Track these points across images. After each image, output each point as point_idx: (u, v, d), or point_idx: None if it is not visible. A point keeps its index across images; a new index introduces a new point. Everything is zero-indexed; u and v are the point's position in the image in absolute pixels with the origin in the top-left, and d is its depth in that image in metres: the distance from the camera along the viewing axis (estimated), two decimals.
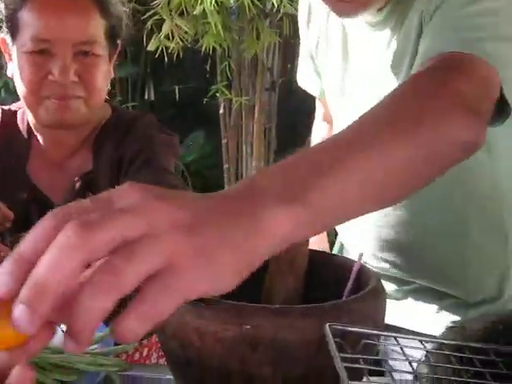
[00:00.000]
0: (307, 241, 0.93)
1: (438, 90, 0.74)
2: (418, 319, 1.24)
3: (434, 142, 0.68)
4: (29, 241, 0.42)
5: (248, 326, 0.70)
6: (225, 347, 0.71)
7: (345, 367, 0.52)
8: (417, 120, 0.68)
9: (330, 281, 0.94)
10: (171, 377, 0.85)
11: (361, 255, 0.90)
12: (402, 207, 1.18)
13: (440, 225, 1.19)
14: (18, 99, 1.32)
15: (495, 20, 0.93)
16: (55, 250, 0.41)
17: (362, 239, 1.26)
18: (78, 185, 1.22)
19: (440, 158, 0.70)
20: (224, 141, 3.48)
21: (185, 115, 4.09)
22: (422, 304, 1.24)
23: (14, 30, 1.16)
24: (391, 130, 0.65)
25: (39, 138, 1.24)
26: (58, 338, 0.93)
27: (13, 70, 1.20)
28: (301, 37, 1.40)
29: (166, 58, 3.20)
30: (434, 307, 1.23)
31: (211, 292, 0.46)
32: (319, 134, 1.55)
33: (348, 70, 1.24)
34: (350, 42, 1.23)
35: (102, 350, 0.85)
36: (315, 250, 0.96)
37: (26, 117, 1.25)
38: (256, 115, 3.37)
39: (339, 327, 0.61)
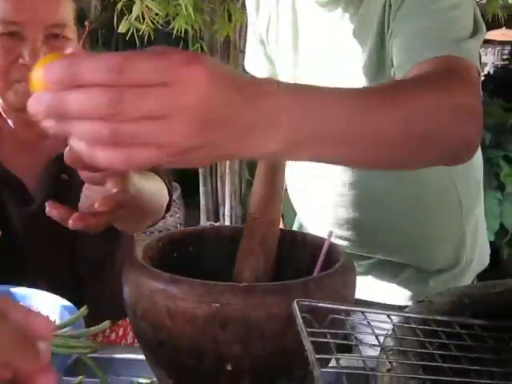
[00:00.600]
0: (278, 220, 0.93)
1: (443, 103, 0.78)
2: (382, 292, 1.28)
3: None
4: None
5: (217, 305, 0.70)
6: (195, 327, 0.71)
7: (311, 341, 0.53)
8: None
9: (300, 260, 0.94)
10: (144, 357, 0.85)
11: (330, 233, 0.91)
12: (357, 186, 1.20)
13: (394, 200, 1.22)
14: None
15: (460, 13, 0.99)
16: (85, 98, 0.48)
17: (320, 219, 1.29)
18: (51, 167, 1.21)
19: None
20: None
21: None
22: (384, 276, 1.28)
23: None
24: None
25: (8, 121, 1.22)
26: None
27: None
28: (249, 23, 1.42)
29: (137, 41, 3.16)
30: (396, 279, 1.28)
31: (180, 163, 0.55)
32: None
33: (299, 53, 1.26)
34: (300, 24, 1.25)
35: (73, 333, 0.85)
36: (285, 229, 0.97)
37: None
38: None
39: (306, 303, 0.62)
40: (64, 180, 1.21)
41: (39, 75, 0.51)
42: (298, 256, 0.95)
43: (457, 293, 0.73)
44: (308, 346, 0.52)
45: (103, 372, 0.86)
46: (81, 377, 1.03)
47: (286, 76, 1.30)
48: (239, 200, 3.87)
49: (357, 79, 1.15)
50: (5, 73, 1.12)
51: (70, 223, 0.78)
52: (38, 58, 1.10)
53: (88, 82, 0.48)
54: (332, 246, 0.91)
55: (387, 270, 1.29)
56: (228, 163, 3.75)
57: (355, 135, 0.66)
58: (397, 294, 1.28)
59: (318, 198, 1.28)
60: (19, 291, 1.00)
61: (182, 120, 0.50)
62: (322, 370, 0.47)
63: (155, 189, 1.10)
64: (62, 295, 0.98)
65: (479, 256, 1.34)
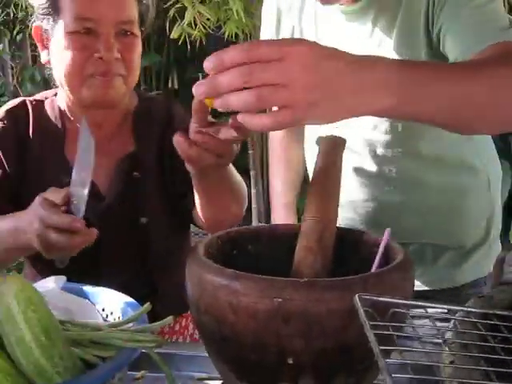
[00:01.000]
0: (335, 219, 0.95)
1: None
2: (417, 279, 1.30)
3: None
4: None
5: (279, 300, 0.72)
6: (258, 322, 0.73)
7: (374, 334, 0.54)
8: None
9: (357, 257, 0.96)
10: (206, 354, 0.88)
11: (388, 231, 0.92)
12: (399, 171, 1.27)
13: (433, 182, 1.28)
14: (42, 91, 1.37)
15: (496, 5, 1.12)
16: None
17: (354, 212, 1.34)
18: (123, 165, 1.26)
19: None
20: None
21: None
22: (419, 263, 1.31)
23: (55, 13, 1.19)
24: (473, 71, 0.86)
25: (75, 122, 1.26)
26: (95, 315, 0.97)
27: (51, 55, 1.23)
28: (263, 35, 1.45)
29: (188, 46, 3.21)
30: (431, 265, 1.33)
31: (309, 118, 0.72)
32: None
33: None
34: (322, 37, 1.28)
35: (138, 328, 0.88)
36: (342, 228, 0.98)
37: (56, 104, 1.28)
38: None
39: (368, 297, 0.63)
40: (135, 178, 1.25)
41: None
42: (354, 254, 0.96)
43: None
44: (371, 337, 0.53)
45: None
46: (143, 371, 1.07)
47: None
48: None
49: None
50: (80, 68, 1.17)
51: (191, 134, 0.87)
52: (113, 53, 1.17)
53: (229, 65, 0.69)
54: (389, 243, 0.92)
55: (424, 256, 1.32)
56: None
57: (452, 95, 0.81)
58: (432, 281, 1.32)
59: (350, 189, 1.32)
60: (88, 289, 1.05)
61: (297, 84, 0.68)
62: (387, 360, 0.49)
63: (240, 180, 1.19)
64: (135, 290, 1.02)
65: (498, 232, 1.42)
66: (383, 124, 1.24)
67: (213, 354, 0.85)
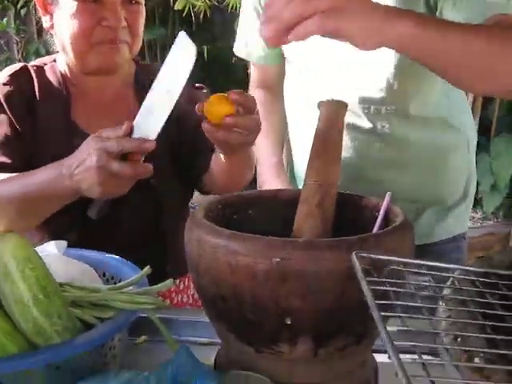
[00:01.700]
0: (336, 183, 0.94)
1: None
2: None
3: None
4: None
5: (277, 259, 0.71)
6: (256, 281, 0.73)
7: (370, 289, 0.53)
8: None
9: (358, 222, 0.95)
10: (207, 320, 0.88)
11: (389, 194, 0.91)
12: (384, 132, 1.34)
13: (419, 142, 1.36)
14: None
15: None
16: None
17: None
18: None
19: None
20: None
21: (214, 76, 4.08)
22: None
23: None
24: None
25: (78, 86, 1.27)
26: (96, 280, 0.97)
27: (55, 21, 1.23)
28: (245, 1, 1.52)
29: (193, 18, 3.19)
30: (419, 220, 1.41)
31: (337, 24, 0.83)
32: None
33: None
34: None
35: (138, 290, 0.88)
36: (343, 193, 0.97)
37: (57, 69, 1.28)
38: None
39: (365, 255, 0.62)
40: None
41: (214, 108, 0.96)
42: (355, 219, 0.96)
43: None
44: (367, 292, 0.52)
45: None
46: (144, 337, 1.07)
47: (293, 51, 1.41)
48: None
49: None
50: (88, 35, 1.18)
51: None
52: (120, 20, 1.18)
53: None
54: (390, 206, 0.91)
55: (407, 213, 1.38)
56: None
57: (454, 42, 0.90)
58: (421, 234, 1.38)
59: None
60: (89, 254, 1.05)
61: None
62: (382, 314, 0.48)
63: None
64: (146, 253, 1.08)
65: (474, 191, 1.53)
66: (381, 82, 1.29)
67: (212, 316, 0.85)
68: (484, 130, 3.71)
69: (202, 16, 3.14)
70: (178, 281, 1.39)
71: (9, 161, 1.19)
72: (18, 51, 4.99)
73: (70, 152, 1.08)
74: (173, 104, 1.05)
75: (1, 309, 0.76)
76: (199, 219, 0.83)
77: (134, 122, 1.08)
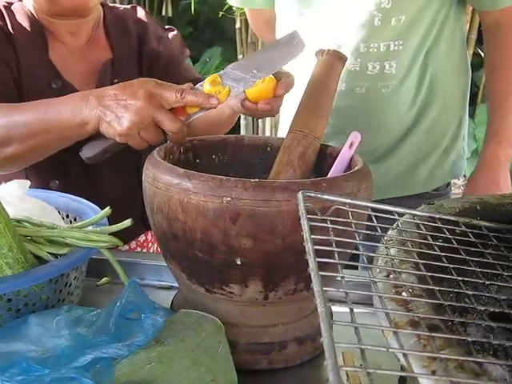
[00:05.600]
0: (321, 137, 0.94)
1: None
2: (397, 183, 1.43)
3: None
4: None
5: (228, 198, 0.71)
6: (207, 220, 0.73)
7: (309, 225, 0.53)
8: None
9: (324, 170, 0.95)
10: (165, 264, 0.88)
11: (353, 136, 0.91)
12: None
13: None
14: None
15: None
16: None
17: None
18: (103, 72, 1.25)
19: None
20: (240, 56, 3.44)
21: (202, 31, 4.03)
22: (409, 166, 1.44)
23: None
24: None
25: (51, 27, 1.24)
26: (57, 219, 0.96)
27: None
28: None
29: None
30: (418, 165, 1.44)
31: None
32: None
33: None
34: None
35: (95, 229, 0.87)
36: (324, 144, 0.96)
37: (27, 9, 1.24)
38: None
39: (312, 194, 0.62)
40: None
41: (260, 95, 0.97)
42: (324, 168, 0.95)
43: (470, 199, 0.73)
44: (304, 226, 0.52)
45: (128, 276, 0.88)
46: (106, 278, 1.08)
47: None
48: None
49: None
50: None
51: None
52: None
53: None
54: (352, 156, 0.91)
55: (408, 162, 1.43)
56: None
57: None
58: (413, 185, 1.44)
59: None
60: (53, 195, 1.05)
61: None
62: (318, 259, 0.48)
63: None
64: (127, 205, 1.11)
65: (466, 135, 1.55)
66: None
67: (166, 256, 0.85)
68: (470, 97, 3.70)
69: None
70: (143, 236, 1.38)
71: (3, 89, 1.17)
72: None
73: (49, 96, 1.04)
74: (248, 85, 0.97)
75: None
76: (155, 158, 0.82)
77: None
